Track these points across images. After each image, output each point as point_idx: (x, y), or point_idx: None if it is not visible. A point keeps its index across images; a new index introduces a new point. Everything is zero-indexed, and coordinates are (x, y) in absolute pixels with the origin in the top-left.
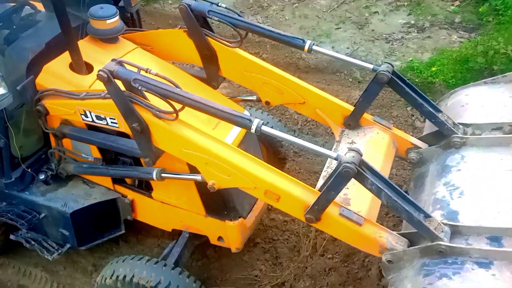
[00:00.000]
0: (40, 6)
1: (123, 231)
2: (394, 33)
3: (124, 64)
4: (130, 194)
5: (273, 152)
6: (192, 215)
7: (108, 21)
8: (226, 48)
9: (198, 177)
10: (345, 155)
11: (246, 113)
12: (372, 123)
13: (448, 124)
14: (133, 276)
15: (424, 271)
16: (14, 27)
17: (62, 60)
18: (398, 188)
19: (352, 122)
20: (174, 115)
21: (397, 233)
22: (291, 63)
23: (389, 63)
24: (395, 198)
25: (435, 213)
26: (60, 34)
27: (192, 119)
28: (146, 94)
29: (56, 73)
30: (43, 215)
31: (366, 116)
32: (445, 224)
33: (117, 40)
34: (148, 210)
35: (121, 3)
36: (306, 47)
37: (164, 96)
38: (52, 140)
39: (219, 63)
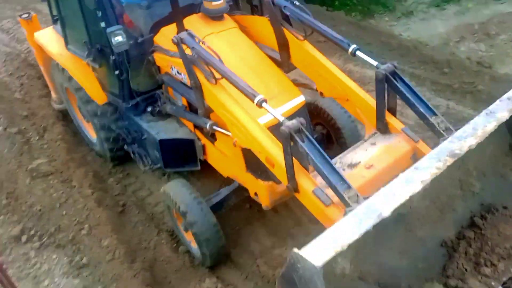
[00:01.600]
0: None
1: (199, 168)
2: None
3: (193, 35)
4: (203, 139)
5: (335, 137)
6: (238, 168)
7: (213, 3)
8: (296, 40)
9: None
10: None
11: (301, 98)
12: (400, 132)
13: (438, 127)
14: (177, 200)
15: None
16: None
17: (175, 27)
18: (329, 160)
19: (382, 127)
20: (215, 80)
21: None
22: None
23: (392, 63)
24: (319, 164)
25: None
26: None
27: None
28: None
29: (167, 35)
30: (145, 136)
31: (398, 125)
32: (366, 197)
33: (221, 19)
34: (213, 155)
35: None
36: (350, 50)
37: (207, 64)
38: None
39: (290, 52)
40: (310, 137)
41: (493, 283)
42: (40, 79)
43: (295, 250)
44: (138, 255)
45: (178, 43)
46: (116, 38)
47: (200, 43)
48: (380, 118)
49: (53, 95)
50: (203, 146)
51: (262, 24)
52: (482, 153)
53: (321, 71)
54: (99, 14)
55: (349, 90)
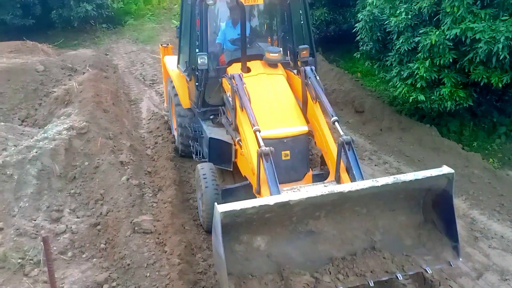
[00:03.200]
0: None
1: (231, 169)
2: None
3: (241, 77)
4: (236, 145)
5: None
6: (249, 166)
7: (271, 54)
8: (311, 101)
9: None
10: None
11: (305, 128)
12: None
13: None
14: (202, 176)
15: None
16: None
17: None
18: (276, 178)
19: (337, 178)
20: (242, 108)
21: None
22: None
23: (350, 137)
24: (269, 178)
25: None
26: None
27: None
28: None
29: (234, 69)
30: (203, 135)
31: (346, 179)
32: None
33: (275, 66)
34: (239, 157)
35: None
36: (332, 119)
37: (240, 97)
38: None
39: (307, 107)
40: (272, 161)
41: (338, 284)
42: (173, 143)
43: (216, 204)
44: None
45: (231, 78)
46: (201, 59)
47: (243, 84)
48: (337, 172)
49: (165, 104)
50: (236, 150)
51: (296, 82)
52: (394, 219)
53: (318, 127)
54: (197, 43)
55: (328, 147)
